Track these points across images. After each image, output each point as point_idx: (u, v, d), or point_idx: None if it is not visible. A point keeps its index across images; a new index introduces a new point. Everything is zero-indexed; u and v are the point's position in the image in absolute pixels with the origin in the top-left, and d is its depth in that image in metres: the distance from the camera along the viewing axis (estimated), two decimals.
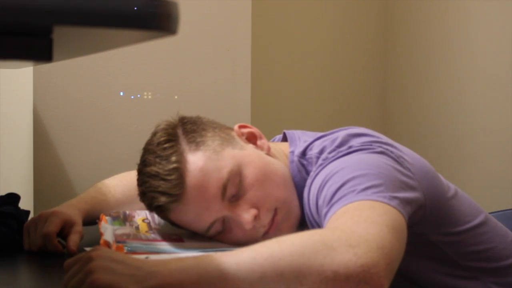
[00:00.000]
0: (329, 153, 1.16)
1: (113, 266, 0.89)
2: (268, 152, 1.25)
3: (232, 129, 1.27)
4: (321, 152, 1.19)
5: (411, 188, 1.10)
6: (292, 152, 1.24)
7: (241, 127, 1.28)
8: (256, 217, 1.16)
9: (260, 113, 2.43)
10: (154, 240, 1.23)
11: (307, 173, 1.20)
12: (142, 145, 2.04)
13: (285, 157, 1.26)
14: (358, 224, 0.93)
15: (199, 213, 1.17)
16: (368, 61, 2.78)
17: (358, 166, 1.08)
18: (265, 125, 2.57)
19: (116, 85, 2.01)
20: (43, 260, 1.30)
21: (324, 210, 1.05)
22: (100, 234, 1.26)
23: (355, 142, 1.16)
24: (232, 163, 1.17)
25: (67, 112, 1.95)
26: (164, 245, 1.21)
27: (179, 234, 1.27)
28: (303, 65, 2.68)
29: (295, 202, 1.20)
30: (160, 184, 1.16)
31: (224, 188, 1.16)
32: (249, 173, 1.17)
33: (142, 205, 1.26)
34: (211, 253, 0.91)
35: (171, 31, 0.70)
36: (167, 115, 2.08)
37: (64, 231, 1.29)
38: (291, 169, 1.23)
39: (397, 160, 1.14)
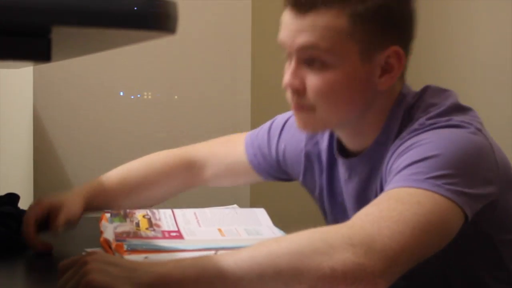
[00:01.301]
0: (428, 119, 1.10)
1: (109, 269, 0.88)
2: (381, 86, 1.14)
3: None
4: (421, 115, 1.12)
5: (489, 182, 1.06)
6: (404, 94, 1.17)
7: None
8: (287, 87, 1.13)
9: (260, 113, 2.43)
10: (155, 237, 1.23)
11: (403, 117, 1.14)
12: (142, 145, 2.04)
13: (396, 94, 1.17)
14: (377, 222, 0.91)
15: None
16: None
17: (446, 146, 1.04)
18: None
19: (116, 85, 2.00)
20: (43, 260, 1.30)
21: (388, 179, 1.04)
22: (100, 233, 1.26)
23: (457, 117, 1.10)
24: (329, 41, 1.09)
25: (67, 112, 1.95)
26: (164, 242, 1.21)
27: (179, 230, 1.27)
28: None
29: (334, 119, 1.14)
30: None
31: (304, 48, 1.10)
32: (337, 71, 1.10)
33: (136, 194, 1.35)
34: (210, 253, 0.91)
35: (170, 30, 0.70)
36: (167, 115, 2.09)
37: (50, 217, 1.29)
38: (394, 102, 1.15)
39: (490, 145, 1.10)
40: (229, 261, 0.88)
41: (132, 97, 2.02)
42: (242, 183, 1.50)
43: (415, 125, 1.10)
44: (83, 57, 1.76)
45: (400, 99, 1.16)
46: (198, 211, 1.40)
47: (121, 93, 2.01)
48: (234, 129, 2.13)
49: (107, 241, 1.20)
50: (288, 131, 1.37)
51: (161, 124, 2.05)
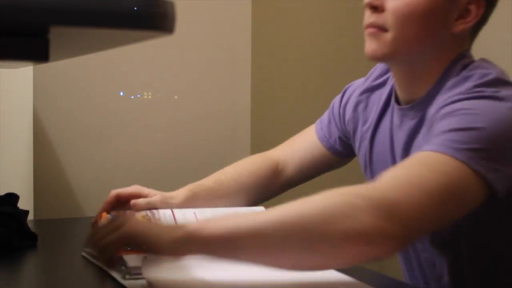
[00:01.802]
0: (475, 86, 1.12)
1: (146, 224, 1.00)
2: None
3: None
4: (470, 77, 1.14)
5: None
6: (464, 55, 1.20)
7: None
8: (369, 4, 1.17)
9: (260, 113, 2.43)
10: None
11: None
12: (142, 145, 2.04)
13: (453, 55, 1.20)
14: (403, 189, 0.95)
15: None
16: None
17: (491, 120, 1.05)
18: (265, 125, 2.57)
19: (116, 85, 2.00)
20: (42, 260, 1.30)
21: (427, 137, 1.08)
22: None
23: (505, 90, 1.12)
24: None
25: (67, 112, 1.95)
26: None
27: None
28: (304, 65, 2.68)
29: (405, 45, 1.17)
30: None
31: None
32: None
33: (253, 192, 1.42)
34: (243, 212, 0.97)
35: (168, 30, 0.70)
36: (167, 115, 2.09)
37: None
38: (455, 58, 1.19)
39: None
40: (261, 221, 0.95)
41: (132, 97, 2.02)
42: (322, 168, 1.51)
43: (462, 88, 1.12)
44: (83, 57, 1.76)
45: (459, 57, 1.19)
46: (197, 210, 1.40)
47: (121, 93, 2.01)
48: (234, 129, 2.13)
49: None
50: (345, 97, 1.44)
51: (161, 124, 2.05)
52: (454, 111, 1.08)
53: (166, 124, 2.06)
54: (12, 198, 1.39)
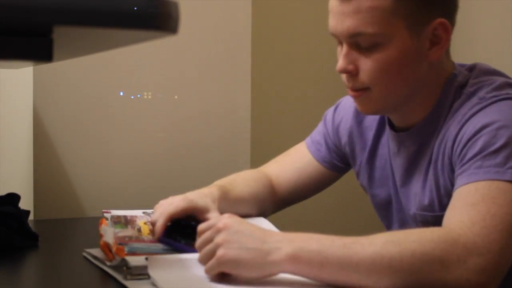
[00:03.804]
0: (487, 93, 1.13)
1: (241, 239, 0.98)
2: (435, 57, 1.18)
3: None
4: (477, 90, 1.15)
5: None
6: (455, 74, 1.20)
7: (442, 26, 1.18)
8: (341, 71, 1.17)
9: (260, 113, 2.43)
10: (156, 241, 1.23)
11: (460, 91, 1.17)
12: (142, 145, 2.04)
13: (445, 73, 1.21)
14: (486, 235, 0.98)
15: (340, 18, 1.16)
16: None
17: None
18: (265, 125, 2.57)
19: (116, 85, 2.00)
20: (43, 260, 1.30)
21: (460, 169, 1.08)
22: (100, 236, 1.26)
23: None
24: (387, 29, 1.13)
25: (67, 112, 1.94)
26: (164, 246, 1.21)
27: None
28: (304, 65, 2.68)
29: (390, 97, 1.18)
30: None
31: (351, 34, 1.14)
32: (387, 50, 1.14)
33: (259, 201, 1.39)
34: (334, 239, 0.98)
35: (171, 30, 0.70)
36: (167, 115, 2.08)
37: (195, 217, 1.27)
38: (446, 80, 1.19)
39: None
40: (355, 256, 0.96)
41: (132, 97, 2.02)
42: (319, 186, 1.48)
43: (474, 100, 1.13)
44: (84, 57, 1.76)
45: (452, 78, 1.19)
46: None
47: (121, 93, 2.01)
48: (234, 129, 2.13)
49: (107, 245, 1.20)
50: (338, 114, 1.43)
51: (161, 124, 2.05)
52: (478, 130, 1.09)
53: (166, 124, 2.06)
54: (13, 198, 1.38)
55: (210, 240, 1.02)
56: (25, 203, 1.51)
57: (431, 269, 0.96)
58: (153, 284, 1.04)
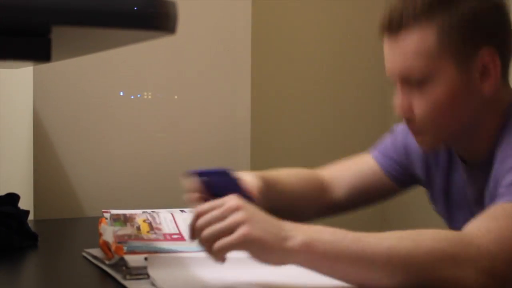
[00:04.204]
0: None
1: (261, 221, 0.94)
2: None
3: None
4: None
5: None
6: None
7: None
8: (402, 112, 1.18)
9: (260, 113, 2.43)
10: (156, 240, 1.23)
11: None
12: (142, 145, 2.04)
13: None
14: (500, 244, 0.99)
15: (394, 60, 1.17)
16: (369, 61, 2.78)
17: None
18: (265, 125, 2.57)
19: (116, 85, 2.00)
20: (43, 259, 1.30)
21: (501, 190, 1.08)
22: (99, 235, 1.26)
23: None
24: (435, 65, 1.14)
25: (67, 112, 1.95)
26: (165, 244, 1.21)
27: (181, 233, 1.27)
28: (303, 65, 2.68)
29: (446, 135, 1.19)
30: None
31: (401, 76, 1.16)
32: (438, 87, 1.14)
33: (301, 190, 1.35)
34: (346, 232, 0.96)
35: (170, 30, 0.70)
36: (167, 115, 2.09)
37: None
38: (505, 112, 1.18)
39: None
40: (369, 251, 0.95)
41: (132, 97, 2.02)
42: (377, 195, 1.43)
43: None
44: (83, 57, 1.76)
45: (510, 109, 1.18)
46: None
47: (121, 93, 2.01)
48: (234, 128, 2.13)
49: (106, 243, 1.20)
50: (408, 133, 1.37)
51: (161, 124, 2.05)
52: None
53: (166, 124, 2.06)
54: (12, 198, 1.38)
55: (220, 219, 0.93)
56: (25, 203, 1.51)
57: (443, 265, 0.96)
58: (153, 284, 1.04)
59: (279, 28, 2.64)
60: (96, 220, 1.45)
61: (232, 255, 1.16)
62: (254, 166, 2.12)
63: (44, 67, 1.87)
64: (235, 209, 0.94)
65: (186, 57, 2.08)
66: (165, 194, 2.02)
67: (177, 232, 1.28)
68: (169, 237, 1.25)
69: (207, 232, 0.94)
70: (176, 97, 2.07)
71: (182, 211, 1.42)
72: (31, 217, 1.48)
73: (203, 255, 1.17)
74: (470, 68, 1.14)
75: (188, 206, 1.17)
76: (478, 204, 1.22)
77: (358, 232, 0.98)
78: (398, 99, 1.19)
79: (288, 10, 2.68)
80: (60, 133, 1.93)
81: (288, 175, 1.40)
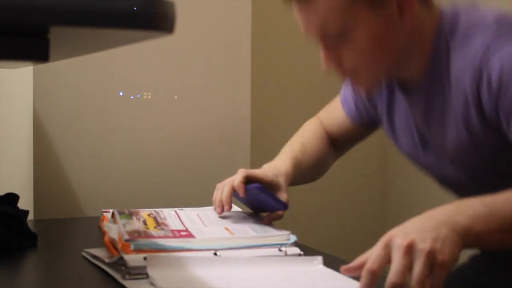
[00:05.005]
0: (496, 22, 1.12)
1: (431, 235, 0.91)
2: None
3: None
4: (483, 20, 1.14)
5: None
6: (442, 26, 1.19)
7: None
8: (328, 69, 1.24)
9: (260, 113, 2.43)
10: (165, 236, 1.23)
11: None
12: (142, 145, 2.04)
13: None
14: None
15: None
16: None
17: None
18: (265, 125, 2.57)
19: (116, 85, 2.00)
20: (42, 259, 1.30)
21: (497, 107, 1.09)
22: (103, 233, 1.26)
23: None
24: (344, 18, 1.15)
25: (67, 112, 1.95)
26: (175, 242, 1.21)
27: (188, 230, 1.27)
28: (303, 65, 2.68)
29: (381, 71, 1.22)
30: None
31: (319, 35, 1.20)
32: (359, 35, 1.16)
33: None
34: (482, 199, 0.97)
35: (168, 30, 0.70)
36: (167, 115, 2.08)
37: None
38: (434, 33, 1.19)
39: None
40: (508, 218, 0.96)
41: (132, 97, 2.02)
42: (353, 141, 1.57)
43: (492, 25, 1.11)
44: (83, 57, 1.76)
45: (439, 28, 1.18)
46: (199, 212, 1.40)
47: (121, 93, 2.01)
48: (234, 128, 2.13)
49: (112, 241, 1.19)
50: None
51: (161, 124, 2.05)
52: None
53: (166, 124, 2.06)
54: (12, 198, 1.39)
55: (407, 264, 0.89)
56: (25, 203, 1.51)
57: None
58: (152, 284, 1.04)
59: (279, 28, 2.64)
60: (96, 220, 1.45)
61: (232, 255, 1.17)
62: (254, 166, 2.11)
63: (44, 67, 1.87)
64: (407, 247, 0.89)
65: (186, 57, 2.08)
66: (165, 194, 2.02)
67: (184, 228, 1.28)
68: (177, 234, 1.25)
69: (417, 274, 0.88)
70: (176, 97, 2.07)
71: (181, 210, 1.43)
72: (31, 217, 1.48)
73: (203, 255, 1.17)
74: (385, 8, 1.16)
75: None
76: (425, 122, 1.24)
77: (483, 198, 0.99)
78: (324, 56, 1.22)
79: (288, 10, 2.68)
80: (60, 133, 1.93)
81: (311, 144, 1.53)
